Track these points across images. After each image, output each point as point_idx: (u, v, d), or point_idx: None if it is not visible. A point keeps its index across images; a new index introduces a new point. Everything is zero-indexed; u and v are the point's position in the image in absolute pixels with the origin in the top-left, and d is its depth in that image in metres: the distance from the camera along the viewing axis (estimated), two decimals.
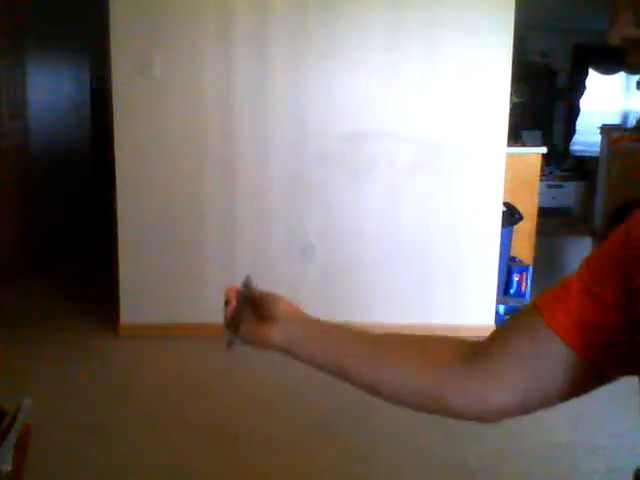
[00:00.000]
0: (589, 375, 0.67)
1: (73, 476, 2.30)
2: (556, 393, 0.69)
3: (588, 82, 8.57)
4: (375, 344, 0.79)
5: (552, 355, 0.66)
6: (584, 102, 8.60)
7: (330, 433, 2.66)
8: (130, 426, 2.66)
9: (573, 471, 2.42)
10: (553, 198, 7.37)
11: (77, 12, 5.38)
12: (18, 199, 4.62)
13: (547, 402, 0.71)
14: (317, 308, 3.87)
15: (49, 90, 5.14)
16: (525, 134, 6.95)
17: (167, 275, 3.60)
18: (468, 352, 0.73)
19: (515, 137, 4.96)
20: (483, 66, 3.47)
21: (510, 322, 0.74)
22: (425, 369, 0.74)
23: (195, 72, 3.44)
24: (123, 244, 3.53)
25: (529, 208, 4.38)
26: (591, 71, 8.52)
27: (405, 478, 2.38)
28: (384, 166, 3.57)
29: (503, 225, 3.67)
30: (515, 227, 4.14)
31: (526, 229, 4.40)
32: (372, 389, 0.77)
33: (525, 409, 0.73)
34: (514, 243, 4.25)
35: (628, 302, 0.62)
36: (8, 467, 1.08)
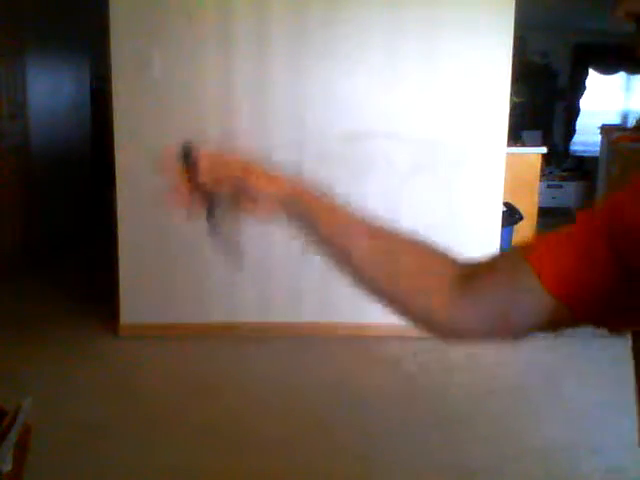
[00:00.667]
0: (565, 319, 0.67)
1: (73, 476, 2.30)
2: (525, 330, 0.71)
3: (588, 82, 8.57)
4: (382, 238, 0.81)
5: (530, 298, 0.67)
6: (584, 102, 8.60)
7: (330, 433, 2.66)
8: (130, 426, 2.66)
9: (573, 471, 2.42)
10: (553, 198, 7.36)
11: (77, 12, 5.38)
12: (18, 199, 4.62)
13: (514, 335, 0.74)
14: (317, 308, 3.87)
15: (49, 90, 5.14)
16: (525, 134, 6.95)
17: (167, 275, 3.60)
18: (457, 276, 0.75)
19: (515, 137, 4.96)
20: (483, 66, 3.47)
21: (498, 257, 0.78)
22: (421, 279, 0.78)
23: (195, 72, 3.44)
24: (123, 244, 3.53)
25: (529, 208, 4.38)
26: (591, 71, 8.52)
27: (405, 478, 2.38)
28: (384, 166, 3.56)
29: (503, 225, 3.67)
30: (515, 227, 4.15)
31: (526, 229, 4.40)
32: (365, 282, 0.79)
33: (490, 338, 0.75)
34: (514, 243, 4.25)
35: (620, 260, 0.62)
36: (8, 467, 1.08)
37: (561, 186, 7.66)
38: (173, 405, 2.86)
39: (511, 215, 4.03)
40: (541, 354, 3.51)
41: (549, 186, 7.35)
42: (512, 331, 0.72)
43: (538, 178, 4.56)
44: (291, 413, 2.82)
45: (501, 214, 3.65)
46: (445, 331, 0.77)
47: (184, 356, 3.39)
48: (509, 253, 0.75)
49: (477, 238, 3.62)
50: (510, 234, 4.10)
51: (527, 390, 3.12)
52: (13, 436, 1.10)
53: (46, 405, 2.57)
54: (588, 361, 3.40)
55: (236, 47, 3.43)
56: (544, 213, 5.34)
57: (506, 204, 3.90)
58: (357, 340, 3.53)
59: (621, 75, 8.70)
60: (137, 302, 3.59)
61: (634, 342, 0.68)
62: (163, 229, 3.56)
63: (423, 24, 3.44)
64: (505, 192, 3.63)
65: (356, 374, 3.23)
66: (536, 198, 4.54)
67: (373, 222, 0.82)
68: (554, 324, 0.68)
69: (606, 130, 6.74)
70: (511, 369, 3.38)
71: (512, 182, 3.94)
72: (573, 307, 0.65)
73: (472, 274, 0.75)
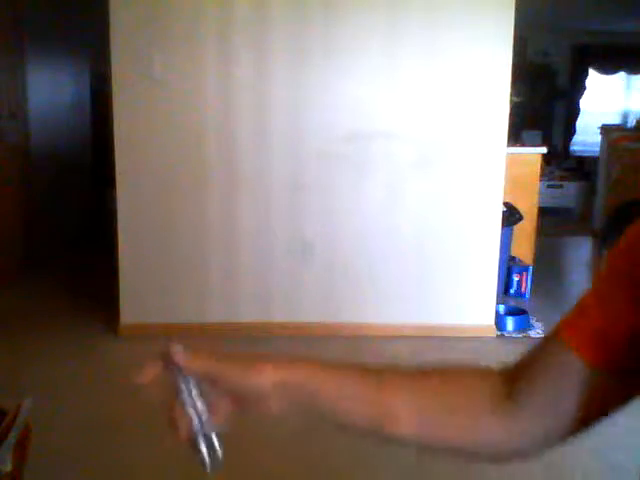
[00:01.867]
0: (616, 390, 0.63)
1: (73, 476, 2.30)
2: (584, 416, 0.65)
3: (588, 82, 8.57)
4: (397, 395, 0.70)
5: (576, 378, 0.63)
6: (584, 102, 8.61)
7: (330, 433, 2.65)
8: (130, 426, 2.66)
9: (573, 471, 2.42)
10: (553, 198, 7.36)
11: (77, 12, 5.38)
12: (18, 199, 4.62)
13: (575, 427, 0.66)
14: (317, 308, 3.89)
15: (49, 90, 5.14)
16: (525, 134, 6.95)
17: (167, 275, 3.60)
18: (496, 392, 0.68)
19: (515, 137, 4.96)
20: (483, 66, 3.47)
21: (535, 348, 0.70)
22: (458, 428, 0.69)
23: (195, 72, 3.44)
24: (123, 244, 3.53)
25: (529, 208, 4.38)
26: (591, 71, 8.53)
27: (405, 478, 2.38)
28: (384, 166, 3.56)
29: (503, 225, 3.67)
30: (515, 227, 4.14)
31: (526, 229, 4.40)
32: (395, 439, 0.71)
33: (551, 440, 0.68)
34: (514, 243, 4.26)
35: None
36: (8, 467, 1.08)
37: (561, 186, 7.66)
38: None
39: (511, 215, 4.02)
40: None
41: (549, 186, 7.35)
42: (572, 422, 0.65)
43: (538, 178, 4.56)
44: (291, 413, 2.82)
45: (501, 214, 3.65)
46: (504, 454, 0.71)
47: None
48: (544, 339, 0.69)
49: (477, 238, 3.62)
50: (510, 234, 4.10)
51: None
52: (13, 436, 1.10)
53: (46, 405, 2.57)
54: None
55: (236, 47, 3.43)
56: (544, 213, 5.34)
57: (506, 204, 3.90)
58: (357, 340, 3.53)
59: (621, 75, 8.71)
60: (137, 302, 3.59)
61: None
62: (163, 229, 3.56)
63: (423, 24, 3.44)
64: (505, 192, 3.63)
65: None
66: (536, 198, 4.53)
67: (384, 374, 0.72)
68: (605, 398, 0.64)
69: (606, 130, 6.74)
70: None
71: (512, 182, 3.94)
72: (610, 371, 0.62)
73: (512, 379, 0.69)
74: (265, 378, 0.70)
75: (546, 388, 0.65)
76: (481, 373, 0.71)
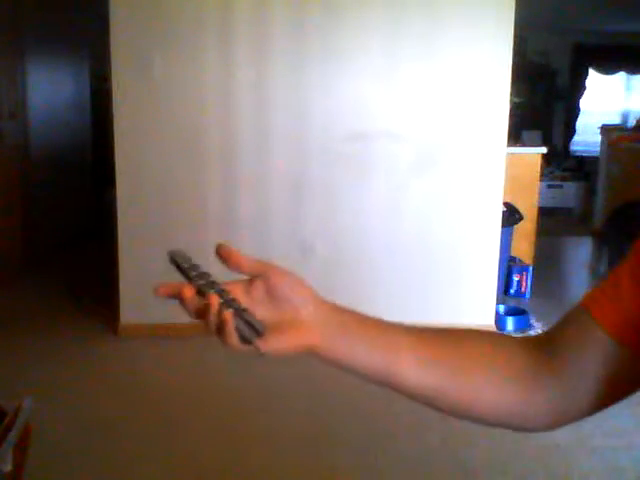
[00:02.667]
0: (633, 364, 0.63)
1: (73, 476, 2.30)
2: (611, 390, 0.65)
3: (588, 82, 8.57)
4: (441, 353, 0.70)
5: (601, 352, 0.63)
6: (584, 102, 8.60)
7: (331, 433, 2.66)
8: (130, 426, 2.66)
9: (573, 471, 2.42)
10: (553, 198, 7.37)
11: (77, 12, 5.38)
12: (18, 199, 4.62)
13: (602, 403, 0.66)
14: None
15: (49, 90, 5.15)
16: (525, 134, 6.95)
17: (167, 275, 3.59)
18: (527, 358, 0.68)
19: (515, 137, 4.96)
20: (483, 66, 3.47)
21: (564, 320, 0.70)
22: (498, 389, 0.69)
23: (195, 72, 3.44)
24: (123, 244, 3.53)
25: (529, 208, 4.38)
26: (591, 71, 8.52)
27: (406, 478, 2.38)
28: (384, 166, 3.56)
29: (503, 225, 3.67)
30: (515, 227, 4.14)
31: (526, 229, 4.40)
32: (432, 404, 0.70)
33: (581, 414, 0.69)
34: (514, 243, 4.25)
35: None
36: (8, 467, 1.08)
37: (561, 186, 7.66)
38: (173, 405, 2.86)
39: (511, 215, 4.02)
40: None
41: (549, 186, 7.35)
42: (594, 398, 0.65)
43: (538, 178, 4.56)
44: (290, 412, 2.82)
45: (501, 214, 3.65)
46: (530, 421, 0.70)
47: (184, 356, 3.39)
48: (572, 311, 0.68)
49: (477, 238, 3.62)
50: (510, 234, 4.10)
51: None
52: (13, 436, 1.10)
53: (46, 405, 2.57)
54: None
55: (236, 47, 3.43)
56: (544, 213, 5.34)
57: (506, 204, 3.90)
58: None
59: (621, 75, 8.71)
60: (137, 302, 3.58)
61: None
62: (163, 229, 3.56)
63: (423, 24, 3.44)
64: (505, 192, 3.63)
65: None
66: (536, 198, 4.53)
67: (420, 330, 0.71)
68: (629, 377, 0.64)
69: (606, 130, 6.74)
70: None
71: (512, 182, 3.94)
72: (633, 347, 0.61)
73: (539, 349, 0.69)
74: (312, 296, 0.67)
75: (573, 361, 0.65)
76: (507, 341, 0.72)
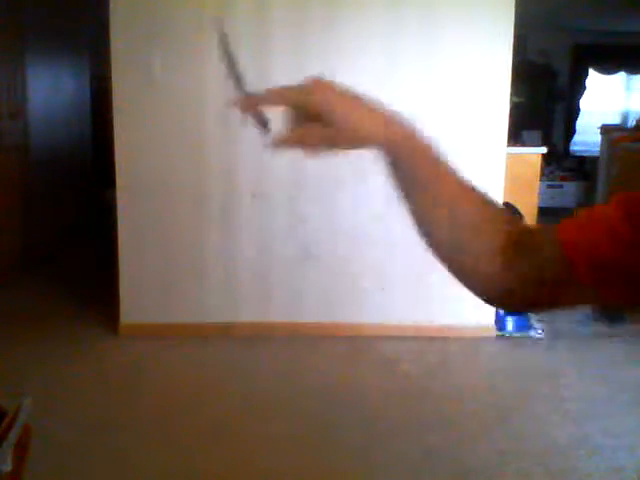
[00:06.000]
0: (585, 293, 0.72)
1: (73, 476, 2.30)
2: (553, 299, 0.76)
3: (588, 82, 8.57)
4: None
5: (554, 267, 0.72)
6: (584, 102, 8.60)
7: (330, 432, 2.66)
8: (130, 426, 2.66)
9: (573, 471, 2.42)
10: (553, 198, 7.36)
11: (77, 12, 5.38)
12: (18, 199, 4.61)
13: (545, 304, 0.80)
14: (317, 308, 3.87)
15: (49, 89, 5.14)
16: (525, 134, 6.95)
17: (167, 275, 3.60)
18: (506, 237, 0.80)
19: (515, 137, 4.96)
20: (483, 66, 3.47)
21: (539, 229, 0.85)
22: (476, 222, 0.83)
23: (195, 72, 3.44)
24: (123, 244, 3.53)
25: (529, 208, 4.37)
26: (591, 71, 8.52)
27: (405, 478, 2.38)
28: (384, 166, 3.56)
29: None
30: None
31: None
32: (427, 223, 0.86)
33: (526, 304, 0.84)
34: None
35: None
36: (8, 467, 1.08)
37: (561, 186, 7.66)
38: (173, 405, 2.86)
39: (511, 215, 4.02)
40: (541, 354, 3.51)
41: (549, 186, 7.35)
42: (543, 300, 0.77)
43: (538, 178, 4.56)
44: (291, 413, 2.82)
45: None
46: (487, 287, 0.81)
47: (184, 356, 3.39)
48: (548, 229, 0.79)
49: None
50: None
51: (527, 390, 3.12)
52: (13, 436, 1.10)
53: (46, 405, 2.57)
54: (588, 361, 3.40)
55: (236, 47, 3.41)
56: (544, 213, 5.34)
57: (506, 204, 3.90)
58: (357, 340, 3.53)
59: (621, 75, 8.70)
60: (137, 302, 3.59)
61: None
62: (163, 229, 3.56)
63: (423, 23, 3.44)
64: (505, 192, 3.63)
65: (356, 374, 3.23)
66: (536, 198, 4.53)
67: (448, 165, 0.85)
68: (568, 290, 0.73)
69: (606, 130, 6.73)
70: (511, 369, 3.38)
71: (512, 182, 3.94)
72: (578, 266, 0.69)
73: (518, 238, 0.79)
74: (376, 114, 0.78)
75: (534, 267, 0.75)
76: (501, 216, 0.85)
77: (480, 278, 0.80)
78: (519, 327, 3.76)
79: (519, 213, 4.13)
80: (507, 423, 2.75)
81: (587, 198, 7.48)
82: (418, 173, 0.81)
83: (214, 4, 3.39)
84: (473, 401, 2.97)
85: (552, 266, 0.72)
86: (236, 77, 0.71)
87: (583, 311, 3.81)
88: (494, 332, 3.65)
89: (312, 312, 3.62)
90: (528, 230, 0.83)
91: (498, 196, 3.61)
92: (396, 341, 3.51)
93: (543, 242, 0.77)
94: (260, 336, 3.56)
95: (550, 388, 3.13)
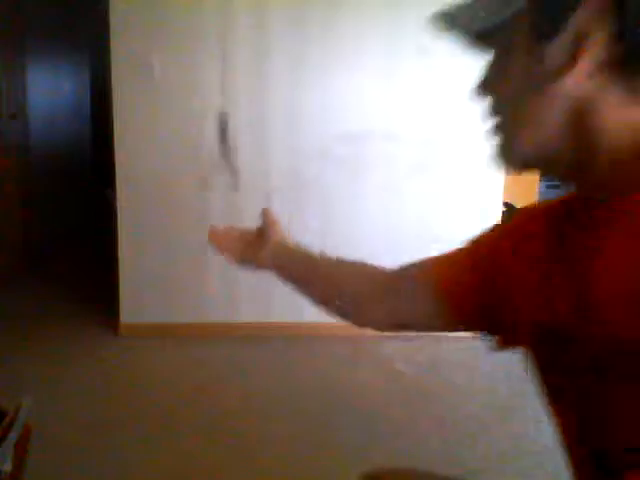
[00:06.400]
0: (451, 324, 0.89)
1: (73, 476, 2.30)
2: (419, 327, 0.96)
3: None
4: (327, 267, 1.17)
5: (431, 312, 0.89)
6: None
7: (329, 433, 2.66)
8: (130, 426, 2.66)
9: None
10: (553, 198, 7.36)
11: (77, 12, 5.39)
12: (18, 199, 4.62)
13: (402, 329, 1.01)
14: (317, 308, 3.80)
15: (49, 90, 5.15)
16: None
17: (167, 275, 3.60)
18: (382, 282, 1.08)
19: None
20: (482, 66, 3.47)
21: (407, 268, 1.05)
22: (358, 287, 1.12)
23: (195, 72, 3.44)
24: (123, 244, 3.53)
25: None
26: None
27: None
28: (384, 166, 3.57)
29: None
30: None
31: None
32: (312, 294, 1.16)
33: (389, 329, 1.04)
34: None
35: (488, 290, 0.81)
36: (8, 467, 1.08)
37: (561, 186, 7.66)
38: (173, 405, 2.86)
39: (511, 215, 4.03)
40: None
41: (549, 186, 7.35)
42: (402, 326, 0.98)
43: (538, 178, 4.56)
44: (290, 412, 2.82)
45: (501, 214, 3.65)
46: (363, 320, 1.06)
47: (184, 356, 3.39)
48: (417, 269, 1.02)
49: None
50: None
51: (527, 390, 3.12)
52: (13, 436, 1.11)
53: (46, 405, 2.57)
54: None
55: (236, 47, 3.43)
56: None
57: (506, 204, 3.90)
58: (357, 340, 3.53)
59: None
60: (137, 302, 3.59)
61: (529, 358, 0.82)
62: (163, 229, 3.56)
63: (422, 23, 3.44)
64: (505, 192, 3.64)
65: (356, 374, 3.23)
66: (536, 198, 4.53)
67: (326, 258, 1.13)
68: (434, 323, 0.92)
69: None
70: (511, 369, 3.38)
71: (512, 182, 3.94)
72: (452, 306, 0.85)
73: (391, 281, 1.03)
74: (276, 238, 1.17)
75: (403, 303, 0.97)
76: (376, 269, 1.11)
77: (364, 324, 1.06)
78: None
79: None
80: (507, 423, 2.75)
81: None
82: (294, 275, 1.15)
83: (214, 4, 3.40)
84: (473, 401, 2.97)
85: (423, 301, 0.90)
86: (228, 161, 0.80)
87: None
88: None
89: (312, 312, 3.61)
90: (398, 272, 1.05)
91: (498, 196, 3.61)
92: (396, 341, 3.51)
93: (417, 287, 0.94)
94: (260, 336, 3.56)
95: None
